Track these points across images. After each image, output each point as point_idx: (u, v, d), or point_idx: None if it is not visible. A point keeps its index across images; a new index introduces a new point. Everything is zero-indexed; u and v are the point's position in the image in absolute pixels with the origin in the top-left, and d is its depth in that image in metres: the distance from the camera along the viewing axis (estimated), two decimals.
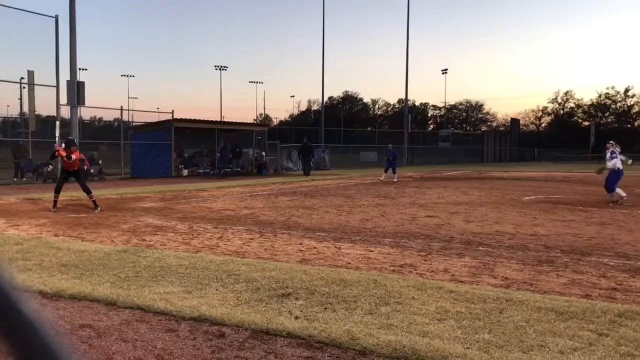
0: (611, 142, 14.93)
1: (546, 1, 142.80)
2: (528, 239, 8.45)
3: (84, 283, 5.39)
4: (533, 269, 6.30)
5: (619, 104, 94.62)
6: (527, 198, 15.71)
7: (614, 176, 14.27)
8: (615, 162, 14.25)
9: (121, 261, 6.44)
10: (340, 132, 71.11)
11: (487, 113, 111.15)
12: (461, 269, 6.33)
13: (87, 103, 22.44)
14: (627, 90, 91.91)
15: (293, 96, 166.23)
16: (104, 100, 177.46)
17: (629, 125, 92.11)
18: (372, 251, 7.42)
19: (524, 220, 10.77)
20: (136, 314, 4.52)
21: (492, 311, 4.51)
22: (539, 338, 3.89)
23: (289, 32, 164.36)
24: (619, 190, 14.15)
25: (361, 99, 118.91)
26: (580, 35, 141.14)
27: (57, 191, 11.94)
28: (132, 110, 63.22)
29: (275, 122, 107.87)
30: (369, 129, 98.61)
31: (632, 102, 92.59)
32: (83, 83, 22.28)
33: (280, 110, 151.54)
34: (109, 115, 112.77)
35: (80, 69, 36.12)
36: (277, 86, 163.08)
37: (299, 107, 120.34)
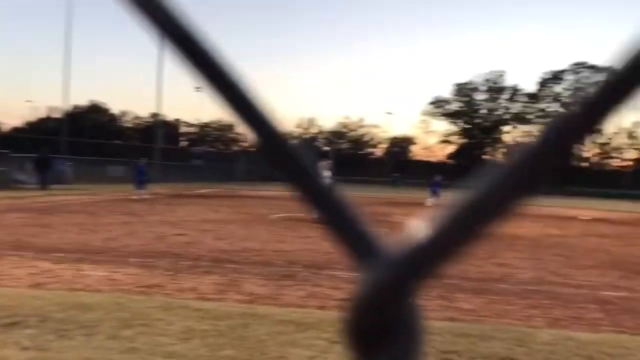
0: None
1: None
2: (273, 255, 8.91)
3: None
4: (276, 284, 6.66)
5: (353, 133, 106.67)
6: (274, 216, 16.57)
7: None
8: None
9: None
10: (86, 144, 66.15)
11: (239, 133, 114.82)
12: (209, 286, 6.37)
13: None
14: (360, 120, 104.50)
15: (30, 101, 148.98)
16: None
17: (361, 152, 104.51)
18: (117, 272, 7.01)
19: (270, 237, 11.34)
20: None
21: (237, 327, 4.62)
22: (279, 349, 4.11)
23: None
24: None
25: (109, 110, 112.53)
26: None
27: None
28: None
29: (5, 128, 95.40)
30: (117, 142, 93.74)
31: (364, 132, 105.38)
32: None
33: (12, 115, 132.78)
34: None
35: None
36: (8, 90, 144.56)
37: (37, 113, 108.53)
